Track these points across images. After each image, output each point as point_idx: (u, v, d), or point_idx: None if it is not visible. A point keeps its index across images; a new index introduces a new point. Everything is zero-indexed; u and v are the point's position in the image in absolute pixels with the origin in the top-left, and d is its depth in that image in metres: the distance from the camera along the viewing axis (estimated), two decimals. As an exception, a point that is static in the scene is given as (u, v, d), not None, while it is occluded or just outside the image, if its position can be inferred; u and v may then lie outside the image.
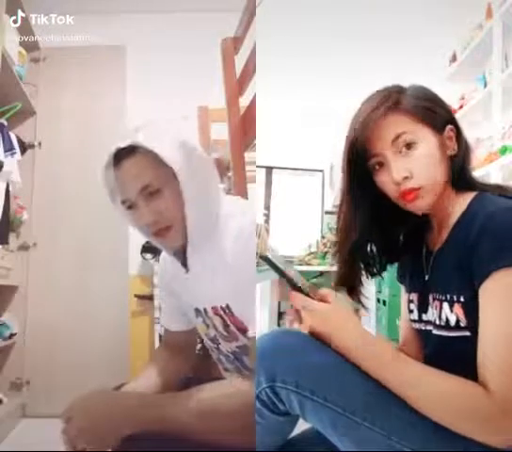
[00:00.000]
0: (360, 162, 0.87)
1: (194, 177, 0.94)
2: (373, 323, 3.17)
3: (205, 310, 1.03)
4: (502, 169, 2.57)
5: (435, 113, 0.87)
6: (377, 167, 0.87)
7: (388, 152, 0.85)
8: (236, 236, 0.93)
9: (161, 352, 1.20)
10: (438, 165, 0.85)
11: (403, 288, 1.04)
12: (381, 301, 3.18)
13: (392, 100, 0.85)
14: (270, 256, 0.81)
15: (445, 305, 0.83)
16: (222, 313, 0.99)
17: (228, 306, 0.97)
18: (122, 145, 0.93)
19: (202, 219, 0.95)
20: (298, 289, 0.83)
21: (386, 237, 0.95)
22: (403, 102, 0.85)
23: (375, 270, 0.97)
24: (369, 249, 0.95)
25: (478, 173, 2.75)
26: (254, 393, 0.78)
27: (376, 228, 0.93)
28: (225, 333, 1.02)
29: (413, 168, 0.84)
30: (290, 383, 0.75)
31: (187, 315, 1.13)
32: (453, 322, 0.81)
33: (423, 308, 0.92)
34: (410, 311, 0.97)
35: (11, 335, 2.61)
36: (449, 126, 0.88)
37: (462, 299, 0.80)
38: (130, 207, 0.96)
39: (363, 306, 0.97)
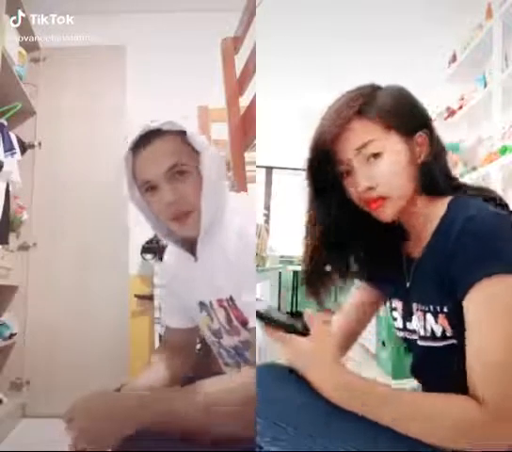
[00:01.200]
0: (324, 166, 0.85)
1: (211, 167, 0.96)
2: (373, 324, 3.17)
3: (211, 303, 1.05)
4: (502, 169, 2.56)
5: (405, 118, 0.83)
6: (345, 174, 0.85)
7: (354, 160, 0.82)
8: (239, 233, 0.95)
9: (161, 352, 1.20)
10: (405, 174, 0.82)
11: (357, 287, 1.03)
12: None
13: (359, 104, 0.82)
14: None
15: (429, 316, 0.81)
16: (226, 305, 1.01)
17: (231, 298, 0.99)
18: (153, 126, 0.94)
19: (215, 212, 0.97)
20: (275, 323, 0.80)
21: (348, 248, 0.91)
22: (371, 108, 0.82)
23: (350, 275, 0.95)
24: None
25: (478, 173, 2.75)
26: (255, 385, 0.78)
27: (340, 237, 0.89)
28: (228, 327, 1.03)
29: (379, 177, 0.81)
30: (268, 437, 0.73)
31: (190, 313, 1.14)
32: (439, 333, 0.80)
33: (407, 317, 0.90)
34: (394, 319, 0.95)
35: (11, 335, 2.61)
36: (420, 133, 0.84)
37: (446, 310, 0.78)
38: (149, 189, 0.96)
39: (321, 306, 0.93)
